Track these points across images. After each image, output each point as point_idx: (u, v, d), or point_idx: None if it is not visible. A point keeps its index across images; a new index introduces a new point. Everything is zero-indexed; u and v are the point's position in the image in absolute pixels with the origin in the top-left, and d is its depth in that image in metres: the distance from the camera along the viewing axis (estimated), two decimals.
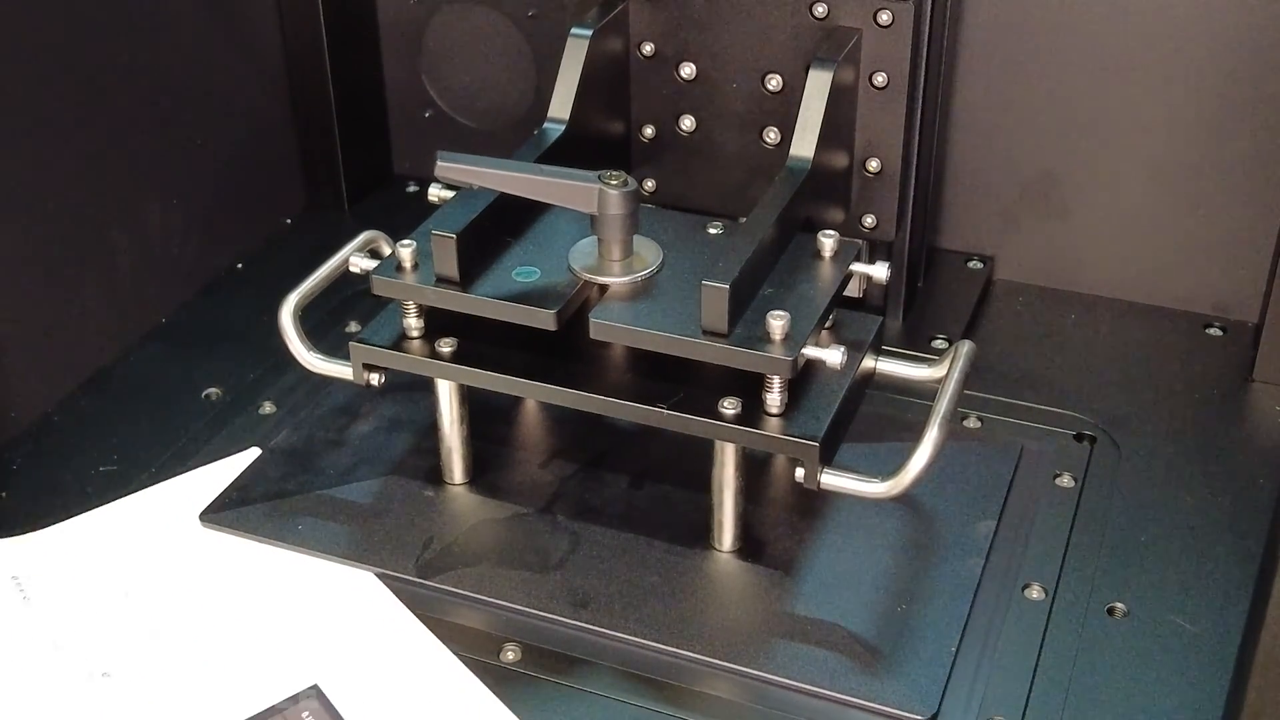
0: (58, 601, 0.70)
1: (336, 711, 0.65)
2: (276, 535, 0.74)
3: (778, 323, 0.66)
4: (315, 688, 0.66)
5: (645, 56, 0.86)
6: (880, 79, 0.81)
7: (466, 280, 0.71)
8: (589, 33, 0.81)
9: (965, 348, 0.72)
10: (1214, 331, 0.93)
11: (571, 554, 0.73)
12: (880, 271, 0.73)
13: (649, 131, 0.88)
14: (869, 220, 0.86)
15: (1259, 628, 0.54)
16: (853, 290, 0.74)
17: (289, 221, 1.06)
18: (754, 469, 0.74)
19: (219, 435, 0.83)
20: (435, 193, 0.77)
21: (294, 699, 0.66)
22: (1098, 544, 0.75)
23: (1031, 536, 0.75)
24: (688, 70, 0.85)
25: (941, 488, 0.77)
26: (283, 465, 0.80)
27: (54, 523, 0.76)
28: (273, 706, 0.65)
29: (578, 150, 0.80)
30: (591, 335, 0.69)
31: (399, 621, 0.70)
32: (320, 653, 0.68)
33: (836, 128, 0.80)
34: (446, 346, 0.72)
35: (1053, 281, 0.97)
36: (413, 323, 0.73)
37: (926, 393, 0.71)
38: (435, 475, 0.78)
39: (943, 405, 0.68)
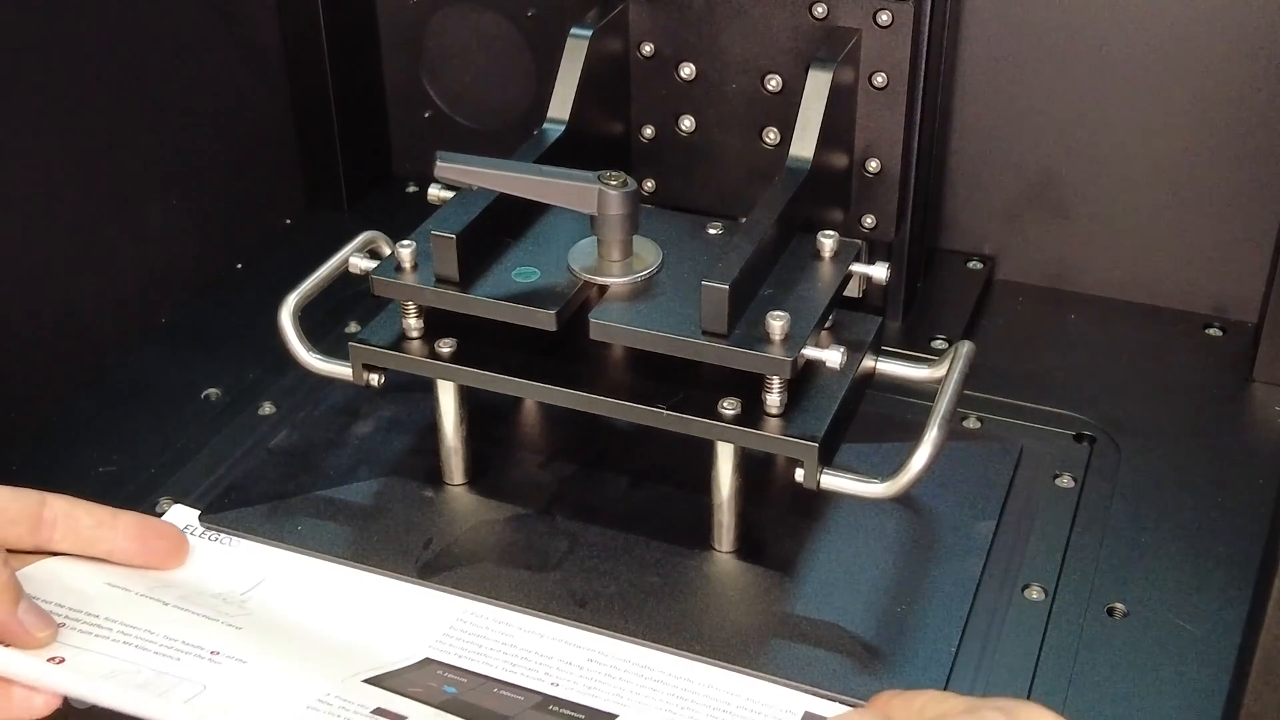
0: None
1: (462, 668, 0.65)
2: (276, 535, 0.74)
3: (777, 323, 0.66)
4: (428, 659, 0.66)
5: (645, 57, 0.86)
6: (880, 79, 0.81)
7: (466, 280, 0.71)
8: (589, 33, 0.81)
9: (965, 348, 0.72)
10: (1213, 332, 0.93)
11: (571, 555, 0.73)
12: (880, 272, 0.73)
13: (649, 132, 0.88)
14: (869, 220, 0.86)
15: (1258, 628, 0.54)
16: (852, 290, 0.74)
17: (289, 222, 1.06)
18: (754, 469, 0.74)
19: (219, 436, 0.83)
20: (435, 193, 0.77)
21: (420, 664, 0.65)
22: (1097, 544, 0.75)
23: (1031, 537, 0.75)
24: (687, 71, 0.85)
25: (941, 488, 0.77)
26: (282, 466, 0.79)
27: None
28: (407, 667, 0.64)
29: (577, 150, 0.80)
30: (591, 336, 0.69)
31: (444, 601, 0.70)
32: (404, 633, 0.68)
33: (836, 128, 0.80)
34: (446, 347, 0.72)
35: (1053, 282, 0.97)
36: (412, 323, 0.73)
37: (926, 393, 0.71)
38: (435, 476, 0.78)
39: (942, 405, 0.68)
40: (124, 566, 0.68)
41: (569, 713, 0.63)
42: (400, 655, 0.66)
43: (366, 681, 0.63)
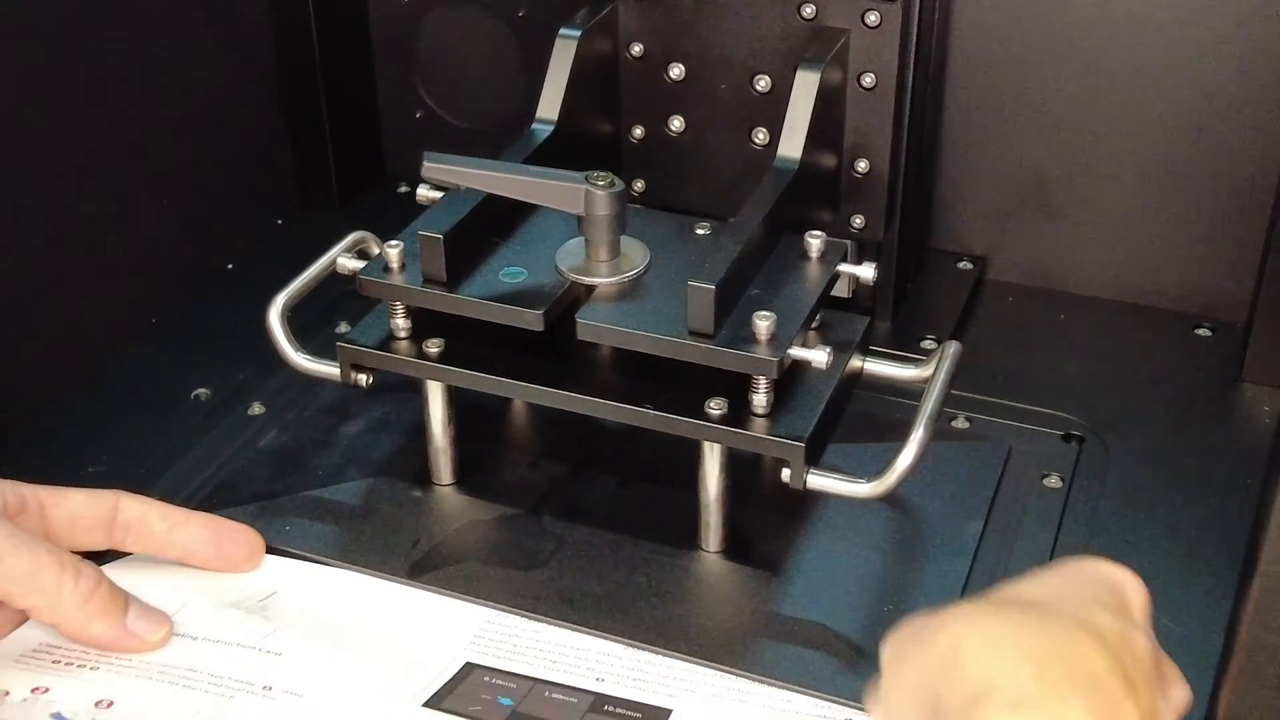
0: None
1: (507, 671, 0.65)
2: (264, 535, 0.74)
3: (764, 323, 0.66)
4: (469, 664, 0.66)
5: (634, 57, 0.86)
6: (868, 80, 0.81)
7: (454, 281, 0.71)
8: (577, 33, 0.81)
9: (952, 348, 0.72)
10: (1203, 332, 0.93)
11: (558, 554, 0.73)
12: (867, 272, 0.74)
13: (638, 132, 0.88)
14: (857, 221, 0.86)
15: (1237, 627, 0.54)
16: (842, 290, 0.74)
17: (280, 222, 1.06)
18: (741, 469, 0.74)
19: (208, 436, 0.83)
20: (423, 193, 0.77)
21: (464, 672, 0.65)
22: (1085, 544, 0.75)
23: (1019, 537, 0.75)
24: (676, 71, 0.85)
25: (929, 488, 0.77)
26: (271, 466, 0.80)
27: None
28: (454, 677, 0.64)
29: (566, 151, 0.80)
30: (578, 336, 0.69)
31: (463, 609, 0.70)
32: (438, 639, 0.67)
33: (825, 128, 0.80)
34: (434, 347, 0.72)
35: (1042, 282, 0.97)
36: (400, 323, 0.73)
37: (915, 393, 0.71)
38: (423, 476, 0.78)
39: (929, 405, 0.68)
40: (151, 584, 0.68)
41: (625, 712, 0.63)
42: (442, 664, 0.66)
43: (426, 705, 0.63)
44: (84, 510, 0.66)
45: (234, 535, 0.70)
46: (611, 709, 0.63)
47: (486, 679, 0.65)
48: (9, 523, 0.61)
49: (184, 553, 0.69)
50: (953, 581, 0.72)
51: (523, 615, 0.70)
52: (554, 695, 0.64)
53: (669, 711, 0.64)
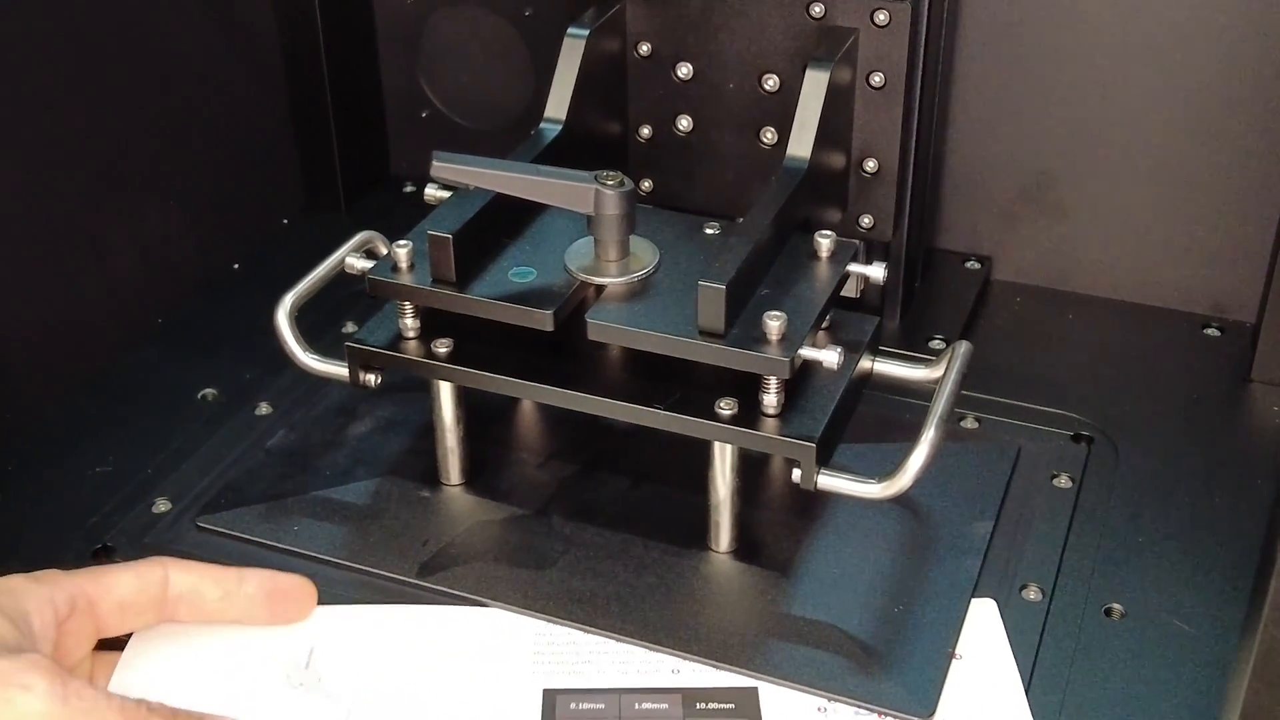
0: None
1: (585, 689, 0.65)
2: (273, 536, 0.74)
3: (774, 323, 0.66)
4: (547, 691, 0.65)
5: (642, 56, 0.86)
6: (877, 79, 0.81)
7: (463, 280, 0.71)
8: (585, 32, 0.81)
9: (962, 348, 0.72)
10: (1212, 332, 0.93)
11: (568, 555, 0.73)
12: (877, 272, 0.73)
13: (646, 132, 0.87)
14: (866, 220, 0.85)
15: (1255, 628, 0.54)
16: (850, 290, 0.74)
17: (286, 222, 1.06)
18: (751, 470, 0.74)
19: (215, 436, 0.83)
20: (432, 193, 0.77)
21: (549, 704, 0.65)
22: (1095, 545, 0.75)
23: (1029, 537, 0.75)
24: (685, 70, 0.85)
25: (939, 488, 0.77)
26: (279, 466, 0.79)
27: (55, 527, 0.77)
28: (543, 715, 0.64)
29: (574, 150, 0.80)
30: (588, 336, 0.69)
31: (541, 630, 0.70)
32: (506, 674, 0.67)
33: (833, 128, 0.80)
34: (443, 347, 0.72)
35: (1050, 282, 0.97)
36: (409, 323, 0.73)
37: (924, 393, 0.71)
38: (432, 476, 0.78)
39: (940, 406, 0.68)
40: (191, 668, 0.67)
41: (717, 704, 0.64)
42: (523, 699, 0.65)
43: None
44: (133, 596, 0.64)
45: (287, 592, 0.68)
46: (704, 704, 0.64)
47: (574, 705, 0.65)
48: (74, 683, 0.58)
49: (239, 617, 0.67)
50: (963, 582, 0.72)
51: (563, 623, 0.70)
52: (644, 704, 0.64)
53: (755, 689, 0.65)
